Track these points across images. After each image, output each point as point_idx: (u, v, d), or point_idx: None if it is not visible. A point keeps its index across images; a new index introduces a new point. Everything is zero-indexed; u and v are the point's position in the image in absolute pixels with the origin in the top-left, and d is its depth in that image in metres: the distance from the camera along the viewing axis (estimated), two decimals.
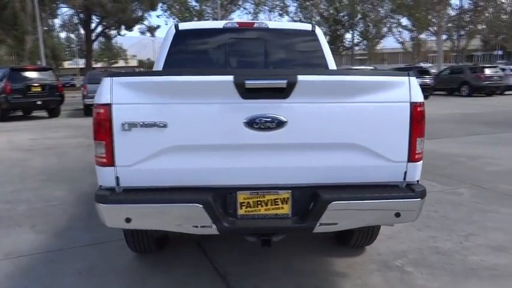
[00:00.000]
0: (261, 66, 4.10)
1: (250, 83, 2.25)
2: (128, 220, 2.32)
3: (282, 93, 2.29)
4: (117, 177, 2.36)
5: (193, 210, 2.29)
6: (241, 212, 2.43)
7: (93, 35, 37.57)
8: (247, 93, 2.27)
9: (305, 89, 2.28)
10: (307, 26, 4.19)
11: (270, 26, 4.12)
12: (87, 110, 15.14)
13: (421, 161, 2.48)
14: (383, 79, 2.40)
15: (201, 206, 2.29)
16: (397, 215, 2.41)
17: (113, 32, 40.84)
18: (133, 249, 3.31)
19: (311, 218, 2.37)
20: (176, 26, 4.04)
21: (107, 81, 2.30)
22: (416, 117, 2.39)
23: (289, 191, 2.44)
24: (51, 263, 3.34)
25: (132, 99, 2.28)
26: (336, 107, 2.35)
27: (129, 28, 39.13)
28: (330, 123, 2.35)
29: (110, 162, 2.33)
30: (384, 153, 2.40)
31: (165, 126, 2.29)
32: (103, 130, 2.31)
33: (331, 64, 4.14)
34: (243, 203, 2.44)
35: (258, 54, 4.14)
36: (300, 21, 26.61)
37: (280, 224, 2.45)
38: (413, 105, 2.38)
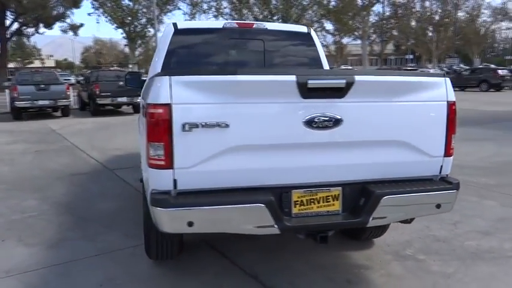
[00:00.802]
0: (260, 66, 4.14)
1: (313, 83, 2.29)
2: (190, 224, 2.25)
3: (339, 92, 2.36)
4: (174, 180, 2.27)
5: (257, 210, 2.29)
6: (295, 210, 2.47)
7: (8, 33, 34.59)
8: (308, 92, 2.31)
9: (360, 88, 2.38)
10: (303, 28, 4.31)
11: (269, 27, 4.17)
12: (18, 114, 14.01)
13: (453, 156, 2.69)
14: (426, 79, 2.57)
15: (264, 206, 2.29)
16: (438, 206, 2.59)
17: (30, 30, 37.94)
18: (154, 256, 3.17)
19: (364, 213, 2.47)
20: (175, 25, 3.95)
21: (164, 80, 2.22)
22: (451, 115, 2.59)
23: (340, 187, 2.52)
24: (64, 277, 3.10)
25: (193, 99, 2.23)
26: (385, 106, 2.48)
27: (49, 26, 36.58)
28: (380, 121, 2.47)
29: (169, 164, 2.25)
30: (425, 148, 2.57)
31: (227, 126, 2.26)
32: (161, 131, 2.22)
33: (325, 64, 4.30)
34: (297, 201, 2.47)
35: (256, 54, 4.18)
36: None
37: (334, 220, 2.51)
38: (450, 104, 2.58)
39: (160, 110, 2.21)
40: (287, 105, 2.34)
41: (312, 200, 2.50)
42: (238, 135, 2.29)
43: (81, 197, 5.10)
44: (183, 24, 4.00)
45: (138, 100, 14.91)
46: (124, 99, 14.64)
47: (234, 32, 4.10)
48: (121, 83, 14.81)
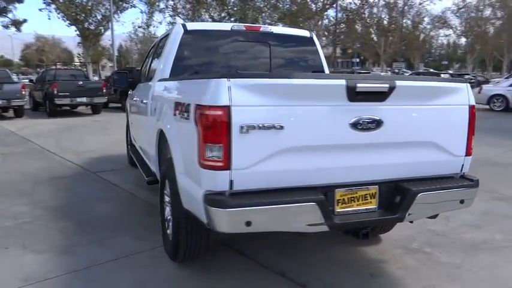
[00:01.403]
0: (267, 69, 4.23)
1: (361, 86, 2.42)
2: (248, 224, 2.30)
3: (382, 96, 2.51)
4: (231, 180, 2.31)
5: (310, 209, 2.38)
6: (337, 208, 2.59)
7: None
8: (355, 96, 2.44)
9: (399, 93, 2.54)
10: (306, 33, 4.44)
11: (274, 31, 4.27)
12: None
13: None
14: (452, 85, 2.78)
15: (316, 205, 2.39)
16: (462, 202, 2.81)
17: None
18: (180, 258, 3.16)
19: (401, 210, 2.63)
20: (184, 26, 3.94)
21: (222, 82, 2.26)
22: (472, 118, 2.82)
23: (377, 186, 2.67)
24: (91, 282, 3.02)
25: (250, 101, 2.28)
26: (419, 109, 2.67)
27: None
28: (413, 123, 2.65)
29: (226, 165, 2.29)
30: (450, 149, 2.79)
31: (281, 128, 2.34)
32: (220, 133, 2.26)
33: (326, 68, 4.46)
34: (340, 200, 2.59)
35: (263, 57, 4.26)
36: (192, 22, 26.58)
37: (372, 217, 2.65)
38: (471, 107, 2.81)
39: (219, 112, 2.25)
40: (335, 108, 2.45)
41: (352, 198, 2.63)
42: (292, 136, 2.37)
43: (74, 201, 4.93)
44: (192, 25, 4.00)
45: (98, 101, 14.50)
46: (83, 100, 14.13)
47: (242, 35, 4.16)
48: (80, 82, 14.34)
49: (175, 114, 2.88)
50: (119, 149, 8.08)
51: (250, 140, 2.30)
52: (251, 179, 2.36)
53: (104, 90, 14.63)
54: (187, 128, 2.59)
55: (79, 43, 24.99)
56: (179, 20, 25.13)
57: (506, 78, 19.33)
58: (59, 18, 22.42)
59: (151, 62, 4.82)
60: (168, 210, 3.47)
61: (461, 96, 2.79)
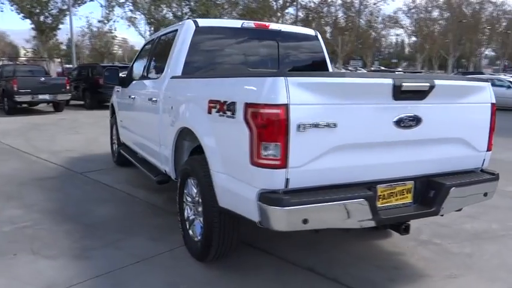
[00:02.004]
0: (275, 66, 4.25)
1: (406, 85, 2.50)
2: (305, 221, 2.32)
3: (422, 95, 2.61)
4: (287, 179, 2.32)
5: (362, 206, 2.43)
6: (379, 204, 2.65)
7: None
8: (400, 94, 2.51)
9: (437, 91, 2.64)
10: (311, 31, 4.49)
11: (282, 29, 4.29)
12: None
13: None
14: (478, 84, 2.92)
15: (366, 201, 2.44)
16: (485, 194, 2.97)
17: None
18: (210, 257, 3.11)
19: (436, 204, 2.75)
20: (195, 22, 3.87)
21: (280, 81, 2.25)
22: (493, 115, 2.98)
23: (412, 181, 2.77)
24: (120, 286, 2.92)
25: (306, 100, 2.30)
26: (451, 107, 2.79)
27: None
28: (446, 120, 2.77)
29: (283, 164, 2.29)
30: (475, 144, 2.94)
31: (335, 126, 2.37)
32: (278, 131, 2.26)
33: (330, 66, 4.54)
34: (381, 195, 2.67)
35: (272, 54, 4.28)
36: (153, 18, 26.13)
37: (410, 211, 2.75)
38: (492, 105, 2.97)
39: (278, 111, 2.24)
40: (382, 106, 2.51)
41: (391, 194, 2.71)
42: (343, 134, 2.41)
43: (69, 203, 4.71)
44: (204, 22, 3.93)
45: (62, 98, 13.86)
46: (46, 97, 13.45)
47: (252, 32, 4.15)
48: (42, 78, 13.66)
49: (209, 113, 2.84)
50: (96, 149, 7.82)
51: (306, 138, 2.31)
52: (304, 177, 2.37)
53: (68, 87, 14.00)
54: (232, 127, 2.56)
55: (34, 37, 23.70)
56: (138, 16, 24.54)
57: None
58: (12, 10, 21.18)
59: (151, 59, 4.69)
60: (188, 210, 3.43)
61: (485, 94, 2.94)
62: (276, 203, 2.28)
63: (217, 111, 2.73)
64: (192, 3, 23.82)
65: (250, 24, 4.14)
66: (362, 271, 3.22)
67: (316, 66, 4.46)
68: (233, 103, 2.54)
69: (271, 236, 3.69)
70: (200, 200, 3.17)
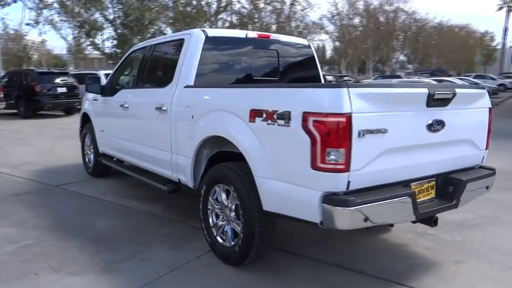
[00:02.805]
0: (277, 74, 4.45)
1: (438, 94, 2.83)
2: (366, 219, 2.54)
3: (446, 102, 2.96)
4: (348, 181, 2.53)
5: (406, 202, 2.71)
6: None
7: None
8: (432, 102, 2.84)
9: (457, 99, 3.01)
10: (304, 41, 4.74)
11: (281, 39, 4.50)
12: None
13: None
14: (481, 91, 3.34)
15: (409, 198, 2.73)
16: (487, 187, 3.41)
17: None
18: (247, 261, 3.22)
19: (456, 198, 3.11)
20: (204, 32, 3.95)
21: (344, 92, 2.46)
22: (490, 118, 3.43)
23: (435, 178, 3.11)
24: None
25: (364, 109, 2.53)
26: (464, 111, 3.17)
27: None
28: (461, 124, 3.15)
29: (346, 168, 2.50)
30: (478, 144, 3.36)
31: (386, 131, 2.62)
32: (344, 138, 2.46)
33: (320, 72, 4.83)
34: (414, 192, 2.96)
35: (273, 63, 4.47)
36: (83, 22, 24.93)
37: (436, 206, 3.07)
38: (490, 109, 3.42)
39: (342, 119, 2.44)
40: (418, 113, 2.82)
41: (420, 191, 3.02)
42: (391, 139, 2.67)
43: (62, 218, 4.50)
44: (212, 32, 4.01)
45: None
46: None
47: (255, 42, 4.31)
48: None
49: (252, 121, 2.95)
50: (58, 160, 7.45)
51: (364, 143, 2.53)
52: (361, 179, 2.59)
53: (1, 95, 12.99)
54: (286, 134, 2.70)
55: None
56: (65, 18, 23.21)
57: (375, 79, 22.00)
58: None
59: (146, 68, 4.63)
60: (213, 217, 3.50)
61: (485, 100, 3.37)
62: (342, 204, 2.48)
63: (264, 120, 2.86)
64: (125, 8, 23.07)
65: (254, 34, 4.29)
66: (383, 263, 3.51)
67: (310, 73, 4.73)
68: (287, 112, 2.69)
69: (287, 237, 3.90)
70: (233, 206, 3.27)
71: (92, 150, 6.15)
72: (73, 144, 9.10)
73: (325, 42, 59.33)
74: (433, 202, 3.11)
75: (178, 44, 4.13)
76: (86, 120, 6.35)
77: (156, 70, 4.64)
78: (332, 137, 2.46)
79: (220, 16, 30.78)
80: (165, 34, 21.99)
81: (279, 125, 2.76)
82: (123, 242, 3.85)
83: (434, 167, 3.07)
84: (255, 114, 2.94)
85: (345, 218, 2.51)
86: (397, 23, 56.24)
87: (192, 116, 3.62)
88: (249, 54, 4.32)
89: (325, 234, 4.06)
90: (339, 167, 2.49)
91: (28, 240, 3.88)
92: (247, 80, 4.21)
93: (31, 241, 3.85)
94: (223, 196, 3.37)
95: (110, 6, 23.70)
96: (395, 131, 2.69)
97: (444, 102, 2.94)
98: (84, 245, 3.77)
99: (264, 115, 2.86)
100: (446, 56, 68.97)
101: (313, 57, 4.75)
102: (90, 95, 6.08)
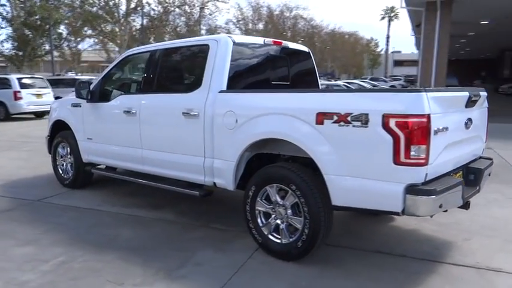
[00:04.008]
0: (287, 79, 4.72)
1: (474, 97, 3.35)
2: (440, 206, 2.95)
3: (474, 103, 3.50)
4: (426, 173, 2.91)
5: (460, 190, 3.17)
6: None
7: None
8: (468, 103, 3.35)
9: (479, 100, 3.57)
10: (305, 48, 5.05)
11: (290, 46, 4.77)
12: None
13: None
14: (485, 94, 3.96)
15: (461, 186, 3.20)
16: (489, 174, 4.04)
17: None
18: (308, 254, 3.43)
19: (478, 184, 3.68)
20: (231, 38, 4.07)
21: (424, 96, 2.83)
22: (488, 115, 4.09)
23: (461, 168, 3.64)
24: None
25: (436, 110, 2.93)
26: (480, 111, 3.76)
27: None
28: (478, 121, 3.73)
29: (426, 162, 2.88)
30: (482, 137, 3.99)
31: (447, 129, 3.06)
32: (425, 136, 2.84)
33: (318, 77, 5.21)
34: None
35: (284, 68, 4.73)
36: None
37: (469, 191, 3.56)
38: (488, 108, 4.08)
39: (424, 119, 2.82)
40: (461, 113, 3.31)
41: None
42: (449, 136, 3.12)
43: (76, 232, 4.23)
44: (238, 38, 4.12)
45: None
46: None
47: (271, 48, 4.52)
48: None
49: (320, 123, 3.18)
50: (9, 174, 6.81)
51: (436, 140, 2.93)
52: (431, 171, 2.99)
53: None
54: (364, 134, 2.99)
55: None
56: None
57: None
58: None
59: (158, 73, 4.55)
60: (261, 217, 3.66)
61: (485, 100, 4.01)
62: (426, 193, 2.84)
63: (335, 122, 3.11)
64: (26, 6, 21.15)
65: (270, 41, 4.49)
66: (412, 245, 3.97)
67: (312, 78, 5.06)
68: (364, 114, 2.98)
69: None
70: (290, 204, 3.46)
71: (69, 160, 5.77)
72: (13, 156, 8.40)
73: None
74: (466, 189, 3.63)
75: (201, 49, 4.18)
76: (57, 128, 5.94)
77: (174, 75, 4.59)
78: (415, 135, 2.81)
79: (131, 18, 29.75)
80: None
81: (353, 126, 3.03)
82: (163, 250, 3.79)
83: (463, 158, 3.60)
84: (323, 117, 3.18)
85: (428, 206, 2.88)
86: (297, 29, 59.29)
87: (236, 120, 3.72)
88: (266, 59, 4.52)
89: (345, 227, 4.43)
90: (420, 161, 2.85)
91: (58, 257, 3.62)
92: (266, 85, 4.41)
93: (62, 258, 3.61)
94: (277, 196, 3.54)
95: (6, 3, 21.53)
96: (451, 129, 3.13)
97: (473, 103, 3.48)
98: (126, 257, 3.64)
99: (335, 117, 3.11)
100: (340, 60, 74.44)
101: (313, 62, 5.09)
102: (67, 101, 5.71)
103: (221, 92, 3.91)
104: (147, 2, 30.94)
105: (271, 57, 4.59)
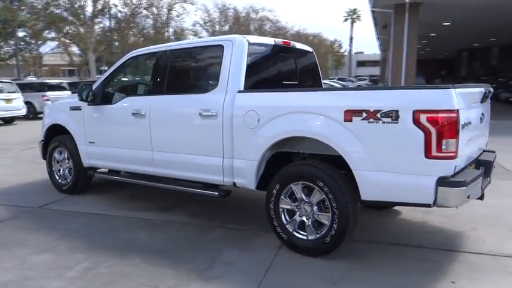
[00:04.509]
0: (295, 77, 4.81)
1: (488, 92, 3.54)
2: (468, 196, 3.10)
3: (486, 98, 3.70)
4: (455, 166, 3.06)
5: (481, 181, 3.35)
6: None
7: None
8: (483, 99, 3.55)
9: (487, 96, 3.77)
10: (309, 48, 5.15)
11: (297, 46, 4.86)
12: None
13: None
14: (491, 90, 4.18)
15: (481, 178, 3.38)
16: (494, 166, 4.27)
17: None
18: (335, 249, 3.52)
19: (489, 175, 3.88)
20: (246, 38, 4.10)
21: (453, 92, 2.97)
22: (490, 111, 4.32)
23: (474, 161, 3.84)
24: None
25: (462, 105, 3.08)
26: (487, 106, 3.97)
27: None
28: (487, 115, 3.93)
29: (456, 155, 3.03)
30: (487, 132, 4.21)
31: (470, 124, 3.23)
32: (455, 130, 2.99)
33: (321, 77, 5.33)
34: None
35: (292, 68, 4.82)
36: None
37: (484, 183, 3.75)
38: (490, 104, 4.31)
39: (454, 114, 2.96)
40: (477, 108, 3.50)
41: None
42: (471, 130, 3.28)
43: (91, 237, 4.14)
44: (252, 38, 4.16)
45: None
46: None
47: (281, 48, 4.59)
48: None
49: (349, 120, 3.28)
50: (12, 180, 6.55)
51: (463, 134, 3.09)
52: (459, 164, 3.14)
53: None
54: (394, 130, 3.10)
55: None
56: None
57: None
58: None
59: (169, 74, 4.51)
60: (285, 214, 3.72)
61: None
62: (458, 185, 2.99)
63: (365, 119, 3.21)
64: None
65: (280, 41, 4.56)
66: (425, 237, 4.13)
67: (315, 77, 5.17)
68: (394, 111, 3.09)
69: None
70: (316, 201, 3.54)
71: (67, 165, 5.62)
72: None
73: None
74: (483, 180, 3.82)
75: (214, 50, 4.19)
76: (52, 133, 5.78)
77: (186, 76, 4.57)
78: (446, 129, 2.95)
79: (97, 20, 29.01)
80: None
81: (383, 122, 3.14)
82: (188, 251, 3.78)
83: (476, 151, 3.79)
84: (351, 114, 3.27)
85: (458, 197, 3.03)
86: (263, 30, 59.72)
87: (259, 120, 3.76)
88: (277, 59, 4.58)
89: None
90: (451, 154, 2.99)
91: (81, 263, 3.54)
92: (278, 84, 4.47)
93: (86, 264, 3.53)
94: (302, 193, 3.61)
95: None
96: (472, 124, 3.30)
97: (486, 98, 3.67)
98: (152, 260, 3.61)
99: (364, 114, 3.21)
100: None
101: (316, 62, 5.20)
102: (63, 105, 5.57)
103: (240, 92, 3.93)
104: (114, 4, 30.27)
105: (281, 57, 4.67)
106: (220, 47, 4.13)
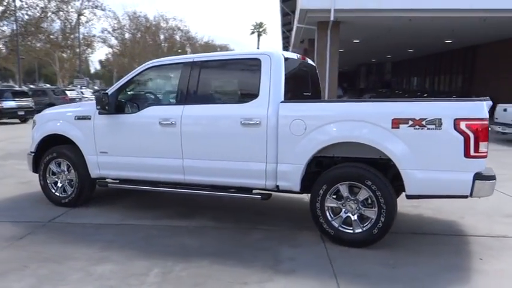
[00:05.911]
0: (308, 88, 5.32)
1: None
2: (494, 188, 3.83)
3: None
4: (485, 163, 3.78)
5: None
6: None
7: None
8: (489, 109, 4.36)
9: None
10: (313, 63, 5.67)
11: (308, 61, 5.35)
12: None
13: None
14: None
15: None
16: None
17: None
18: (381, 238, 4.02)
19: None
20: (282, 54, 4.50)
21: (483, 104, 3.70)
22: None
23: None
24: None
25: (487, 114, 3.81)
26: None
27: None
28: None
29: (486, 154, 3.75)
30: None
31: (490, 129, 3.98)
32: (487, 134, 3.70)
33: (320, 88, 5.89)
34: None
35: (307, 80, 5.31)
36: None
37: None
38: None
39: (486, 122, 3.68)
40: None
41: None
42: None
43: (138, 245, 4.12)
44: (285, 54, 4.56)
45: None
46: None
47: (300, 63, 5.04)
48: None
49: (396, 127, 3.83)
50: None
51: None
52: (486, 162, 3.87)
53: None
54: (437, 135, 3.72)
55: None
56: None
57: None
58: None
59: (201, 85, 4.67)
60: (330, 212, 4.16)
61: None
62: (490, 179, 3.71)
63: (411, 126, 3.79)
64: None
65: (300, 56, 5.02)
66: (433, 226, 4.86)
67: (318, 88, 5.69)
68: (437, 119, 3.72)
69: None
70: (362, 198, 4.03)
71: (67, 176, 5.40)
72: None
73: (109, 55, 56.49)
74: None
75: (251, 63, 4.50)
76: (46, 144, 5.52)
77: (221, 86, 4.75)
78: (481, 134, 3.65)
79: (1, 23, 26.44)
80: None
81: (428, 129, 3.75)
82: (245, 251, 4.01)
83: None
84: (398, 122, 3.83)
85: (490, 188, 3.74)
86: (173, 40, 59.24)
87: (305, 128, 4.15)
88: (299, 72, 5.03)
89: None
90: (484, 154, 3.70)
91: (152, 269, 3.59)
92: (300, 95, 4.91)
93: (158, 269, 3.59)
94: (347, 192, 4.08)
95: None
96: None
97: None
98: (219, 261, 3.78)
99: (410, 122, 3.80)
100: None
101: (317, 75, 5.73)
102: (67, 114, 5.37)
103: (283, 102, 4.29)
104: (20, 6, 27.90)
105: (301, 71, 5.11)
106: (257, 60, 4.45)
